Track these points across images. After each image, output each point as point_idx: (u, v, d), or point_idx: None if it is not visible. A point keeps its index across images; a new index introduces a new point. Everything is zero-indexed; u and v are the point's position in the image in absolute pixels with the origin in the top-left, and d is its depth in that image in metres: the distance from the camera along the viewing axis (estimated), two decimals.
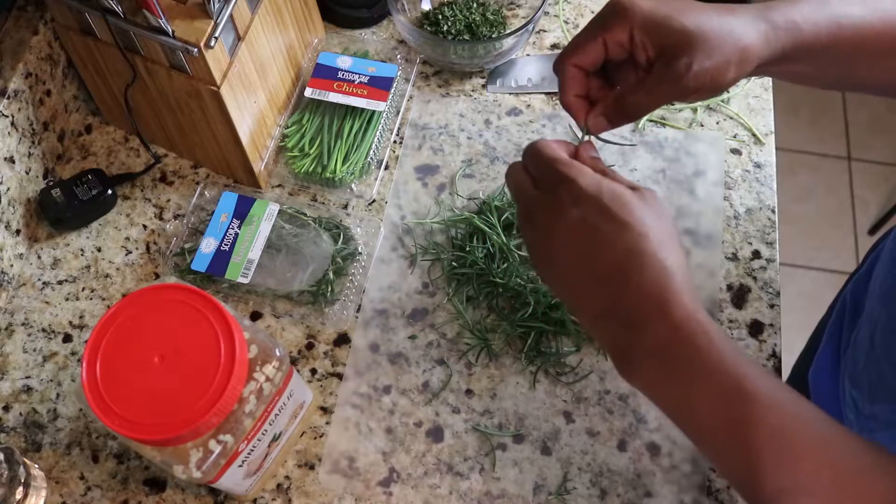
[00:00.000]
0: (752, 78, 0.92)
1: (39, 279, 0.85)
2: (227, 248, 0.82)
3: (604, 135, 0.65)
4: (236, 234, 0.83)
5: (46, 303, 0.84)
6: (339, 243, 0.83)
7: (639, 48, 0.58)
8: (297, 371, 0.77)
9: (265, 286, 0.81)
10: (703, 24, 0.56)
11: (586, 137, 0.63)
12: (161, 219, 0.88)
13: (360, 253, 0.83)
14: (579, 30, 0.97)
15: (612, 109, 0.61)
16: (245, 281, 0.81)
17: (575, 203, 0.54)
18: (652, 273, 0.52)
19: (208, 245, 0.82)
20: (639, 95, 0.59)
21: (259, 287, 0.81)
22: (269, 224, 0.83)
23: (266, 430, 0.66)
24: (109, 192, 0.86)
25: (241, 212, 0.84)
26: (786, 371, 0.81)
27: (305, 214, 0.84)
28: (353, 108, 0.89)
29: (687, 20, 0.57)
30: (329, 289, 0.81)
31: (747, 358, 0.51)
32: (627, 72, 0.62)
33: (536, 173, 0.59)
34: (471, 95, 0.94)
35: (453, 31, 0.93)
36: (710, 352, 0.50)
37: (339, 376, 0.79)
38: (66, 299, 0.84)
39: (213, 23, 0.73)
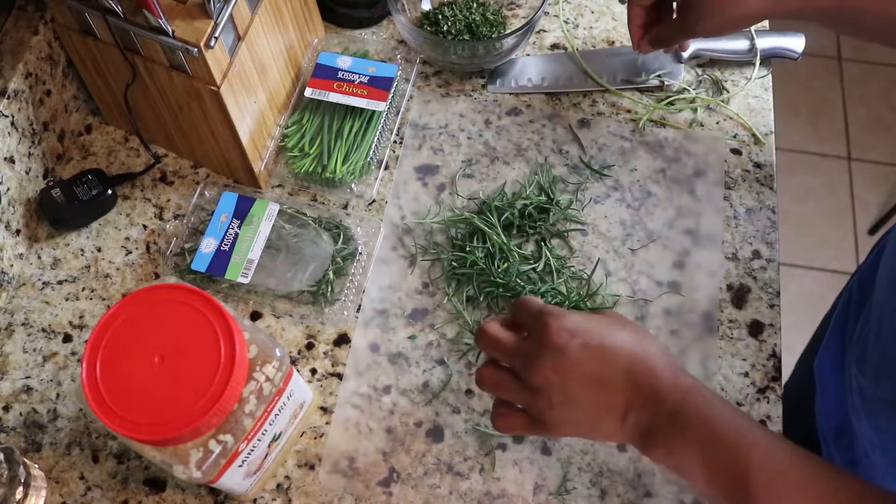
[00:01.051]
0: (753, 78, 0.92)
1: (39, 279, 0.85)
2: (227, 248, 0.82)
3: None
4: (236, 234, 0.82)
5: (46, 303, 0.84)
6: (339, 243, 0.83)
7: None
8: (297, 371, 0.77)
9: (265, 286, 0.81)
10: None
11: (638, 53, 0.90)
12: (161, 219, 0.88)
13: (360, 253, 0.83)
14: (579, 29, 0.97)
15: (652, 38, 0.82)
16: (245, 281, 0.81)
17: (572, 335, 0.58)
18: (659, 359, 0.59)
19: (208, 245, 0.82)
20: (666, 33, 0.81)
21: (259, 287, 0.81)
22: (269, 224, 0.83)
23: (266, 430, 0.66)
24: (109, 192, 0.86)
25: (241, 212, 0.84)
26: (786, 371, 0.81)
27: (305, 214, 0.84)
28: (353, 108, 0.89)
29: None
30: (329, 289, 0.81)
31: (744, 413, 0.58)
32: (669, 11, 0.82)
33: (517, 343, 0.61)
34: (471, 95, 0.94)
35: (453, 31, 0.93)
36: (713, 407, 0.57)
37: (339, 376, 0.79)
38: (66, 299, 0.84)
39: (213, 23, 0.73)
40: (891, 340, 0.67)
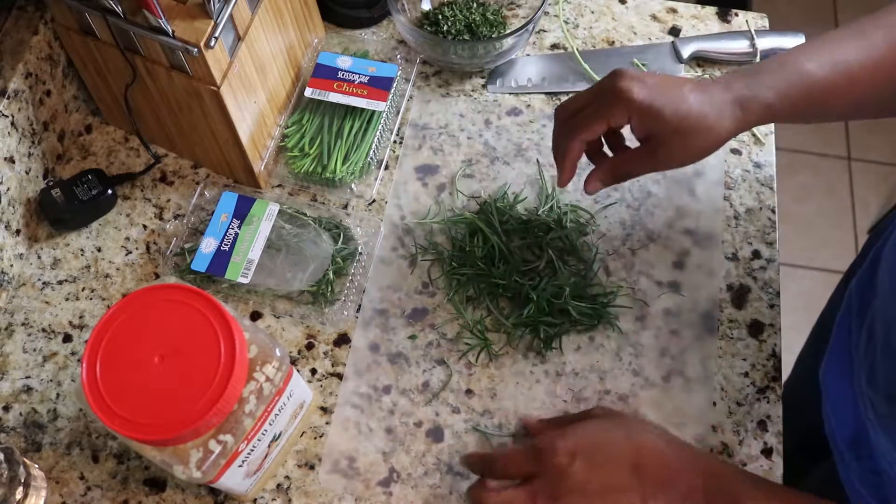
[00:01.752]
0: None
1: (39, 279, 0.85)
2: (227, 248, 0.82)
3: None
4: (236, 234, 0.82)
5: (46, 303, 0.84)
6: (339, 243, 0.83)
7: (634, 129, 0.70)
8: (297, 371, 0.77)
9: (265, 286, 0.81)
10: (685, 119, 0.67)
11: (558, 190, 0.84)
12: (161, 219, 0.88)
13: (360, 253, 0.83)
14: (579, 29, 0.97)
15: (606, 174, 0.73)
16: (245, 281, 0.81)
17: (572, 457, 0.64)
18: (657, 442, 0.66)
19: (208, 245, 0.82)
20: (628, 167, 0.73)
21: (259, 287, 0.81)
22: (269, 224, 0.83)
23: (266, 430, 0.66)
24: (109, 192, 0.86)
25: (241, 212, 0.84)
26: (786, 370, 0.81)
27: (305, 214, 0.84)
28: (353, 108, 0.89)
29: (673, 114, 0.67)
30: (329, 289, 0.81)
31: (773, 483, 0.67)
32: (617, 137, 0.76)
33: (527, 467, 0.67)
34: (471, 95, 0.94)
35: (453, 31, 0.93)
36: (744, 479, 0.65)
37: (339, 376, 0.79)
38: (66, 299, 0.84)
39: (213, 23, 0.73)
40: None
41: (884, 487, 0.71)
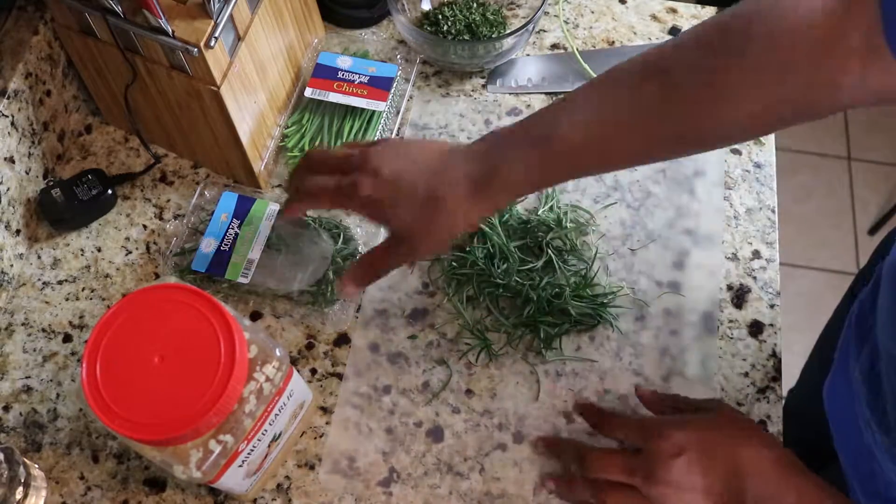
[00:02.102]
0: None
1: (39, 279, 0.85)
2: (227, 248, 0.82)
3: None
4: (236, 235, 0.82)
5: (46, 303, 0.84)
6: (339, 243, 0.83)
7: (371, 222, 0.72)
8: (297, 371, 0.77)
9: (265, 286, 0.81)
10: (418, 213, 0.65)
11: (558, 190, 0.86)
12: (161, 219, 0.88)
13: (360, 253, 0.83)
14: (579, 29, 0.97)
15: (360, 276, 0.71)
16: (245, 281, 0.81)
17: (680, 450, 0.65)
18: (779, 469, 0.65)
19: (208, 245, 0.82)
20: (380, 264, 0.70)
21: (259, 287, 0.81)
22: (269, 224, 0.83)
23: (266, 430, 0.66)
24: (109, 192, 0.86)
25: (241, 211, 0.83)
26: (786, 370, 0.81)
27: (305, 214, 0.84)
28: (353, 108, 0.89)
29: (407, 209, 0.65)
30: (329, 289, 0.81)
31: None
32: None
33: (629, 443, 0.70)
34: (471, 95, 0.94)
35: (453, 31, 0.93)
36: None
37: (339, 376, 0.79)
38: (66, 299, 0.84)
39: (213, 23, 0.73)
40: None
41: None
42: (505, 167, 0.64)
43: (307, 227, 0.83)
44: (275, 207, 0.84)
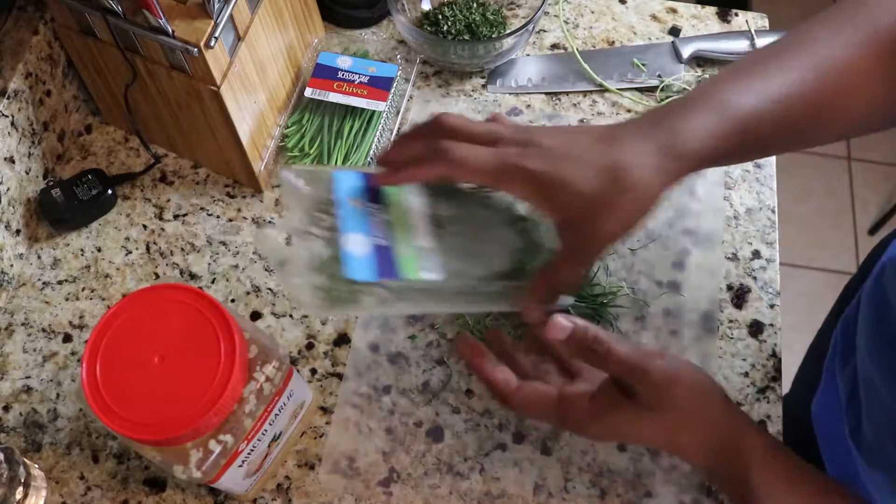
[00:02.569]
0: None
1: (39, 279, 0.85)
2: (384, 241, 0.57)
3: None
4: (387, 221, 0.58)
5: (46, 303, 0.84)
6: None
7: (539, 212, 0.58)
8: (297, 371, 0.77)
9: (470, 274, 0.59)
10: (599, 184, 0.54)
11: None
12: (161, 219, 0.88)
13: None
14: (579, 29, 0.97)
15: (544, 294, 0.59)
16: (434, 276, 0.57)
17: (585, 429, 0.59)
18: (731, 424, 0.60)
19: (356, 244, 0.56)
20: (563, 272, 0.57)
21: (447, 283, 0.57)
22: (416, 195, 0.60)
23: (266, 430, 0.66)
24: (109, 192, 0.86)
25: (374, 190, 0.60)
26: (786, 370, 0.81)
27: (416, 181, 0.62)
28: (353, 108, 0.89)
29: (586, 182, 0.54)
30: (533, 258, 0.62)
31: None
32: None
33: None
34: (471, 95, 0.94)
35: (453, 31, 0.93)
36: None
37: (339, 376, 0.79)
38: (66, 299, 0.84)
39: (213, 23, 0.73)
40: (889, 438, 0.62)
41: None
42: (686, 129, 0.56)
43: (463, 194, 0.63)
44: (422, 188, 0.62)
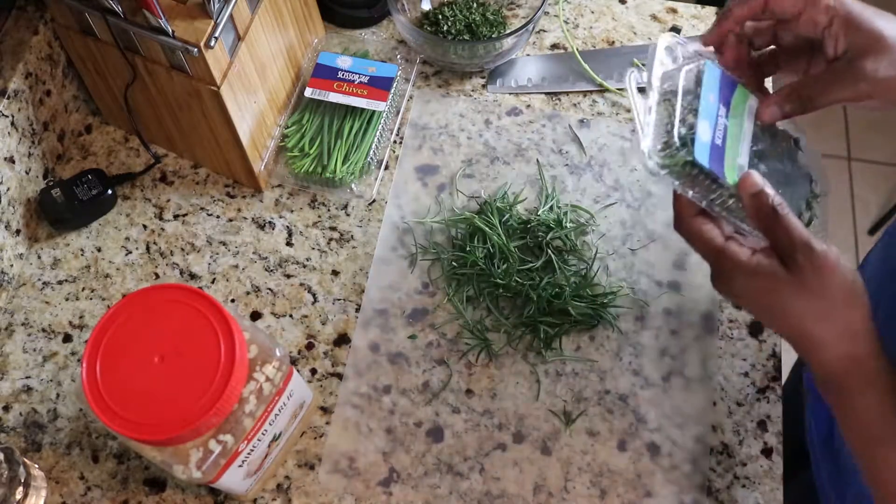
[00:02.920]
0: None
1: (39, 279, 0.85)
2: (719, 141, 0.60)
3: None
4: (725, 127, 0.61)
5: (46, 303, 0.84)
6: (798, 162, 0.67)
7: (830, 38, 0.59)
8: (297, 371, 0.77)
9: None
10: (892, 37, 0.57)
11: (558, 190, 0.73)
12: (161, 219, 0.88)
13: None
14: (579, 29, 0.97)
15: (786, 99, 0.61)
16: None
17: (738, 296, 0.60)
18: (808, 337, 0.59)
19: (704, 131, 0.59)
20: (815, 89, 0.60)
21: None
22: (750, 123, 0.63)
23: (266, 431, 0.66)
24: (109, 192, 0.86)
25: (726, 96, 0.62)
26: (786, 370, 0.81)
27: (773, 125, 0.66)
28: (353, 108, 0.89)
29: (886, 26, 0.57)
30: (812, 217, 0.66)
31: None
32: (798, 61, 0.64)
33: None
34: (471, 95, 0.94)
35: (453, 31, 0.93)
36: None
37: (339, 376, 0.79)
38: (66, 299, 0.84)
39: (213, 23, 0.73)
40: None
41: (848, 486, 0.72)
42: None
43: (787, 139, 0.66)
44: (754, 102, 0.64)
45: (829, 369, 0.58)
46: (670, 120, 0.59)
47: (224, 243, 0.86)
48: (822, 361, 0.59)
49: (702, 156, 0.58)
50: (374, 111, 0.89)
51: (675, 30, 0.97)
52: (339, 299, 0.82)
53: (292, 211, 0.88)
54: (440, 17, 0.94)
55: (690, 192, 0.59)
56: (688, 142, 0.58)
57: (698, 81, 0.61)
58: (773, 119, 0.62)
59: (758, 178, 0.59)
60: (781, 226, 0.57)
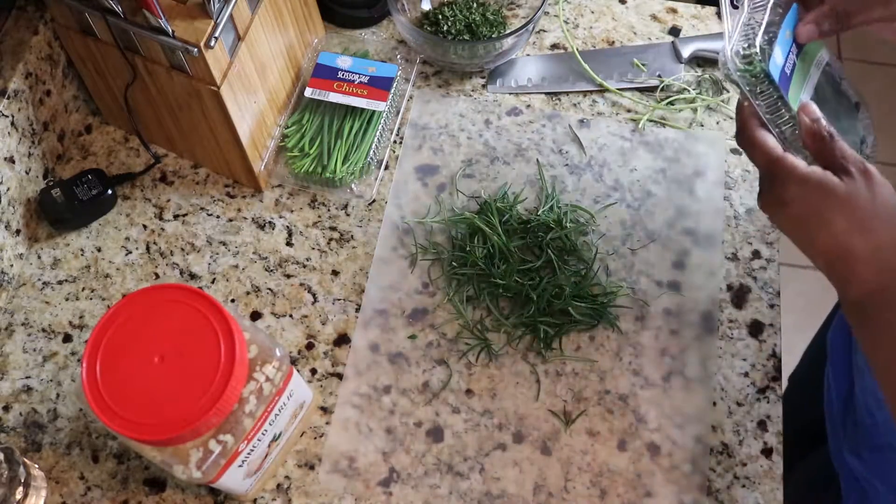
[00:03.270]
0: None
1: (39, 279, 0.85)
2: (788, 71, 0.66)
3: None
4: (794, 64, 0.67)
5: (46, 303, 0.84)
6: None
7: None
8: (297, 371, 0.77)
9: None
10: None
11: (558, 190, 0.76)
12: (161, 219, 0.88)
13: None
14: (579, 29, 0.97)
15: (824, 17, 0.64)
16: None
17: (789, 202, 0.61)
18: (845, 252, 0.60)
19: (778, 56, 0.65)
20: (852, 5, 0.63)
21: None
22: (817, 73, 0.69)
23: (266, 431, 0.66)
24: (109, 192, 0.86)
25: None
26: (786, 371, 0.81)
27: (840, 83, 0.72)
28: (353, 108, 0.89)
29: None
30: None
31: None
32: None
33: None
34: (471, 95, 0.94)
35: (453, 31, 0.93)
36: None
37: (339, 376, 0.79)
38: (66, 299, 0.84)
39: (213, 23, 0.73)
40: None
41: (866, 444, 0.74)
42: None
43: (847, 99, 0.71)
44: (825, 56, 0.70)
45: (866, 286, 0.59)
46: (754, 31, 0.64)
47: (224, 243, 0.86)
48: (860, 276, 0.59)
49: (774, 72, 0.64)
50: (374, 111, 0.89)
51: (675, 30, 0.97)
52: (339, 299, 0.82)
53: (292, 211, 0.88)
54: (440, 17, 0.94)
55: (758, 102, 0.64)
56: (765, 55, 0.64)
57: (782, 15, 0.66)
58: (811, 37, 0.65)
59: (817, 109, 0.63)
60: (837, 146, 0.61)
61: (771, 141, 0.63)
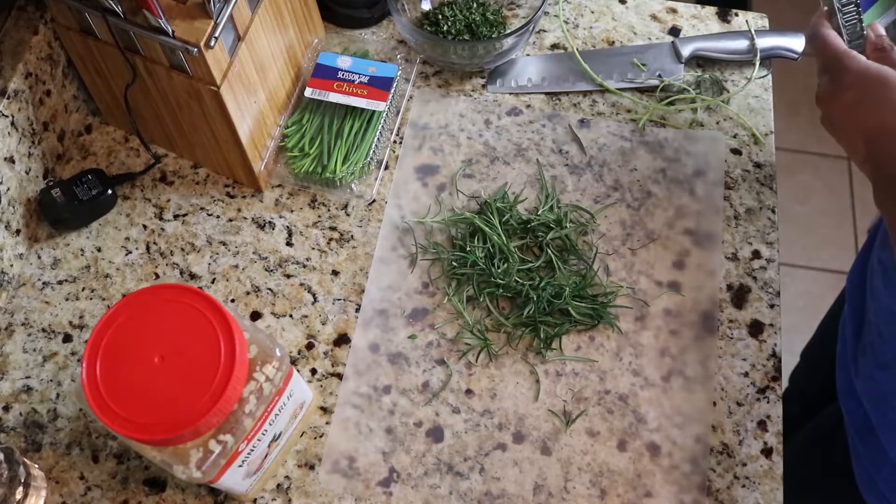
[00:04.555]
0: (753, 78, 0.92)
1: (39, 279, 0.85)
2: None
3: None
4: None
5: (46, 303, 0.84)
6: None
7: None
8: (297, 371, 0.77)
9: None
10: None
11: (557, 190, 0.78)
12: (161, 219, 0.88)
13: None
14: (579, 29, 0.97)
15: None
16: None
17: (847, 88, 0.68)
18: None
19: None
20: None
21: None
22: (886, 20, 0.78)
23: (266, 431, 0.66)
24: (109, 192, 0.86)
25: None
26: (786, 371, 0.81)
27: None
28: (353, 108, 0.89)
29: None
30: None
31: None
32: None
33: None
34: (471, 95, 0.94)
35: (453, 31, 0.93)
36: None
37: (339, 376, 0.79)
38: (66, 299, 0.84)
39: (213, 23, 0.73)
40: None
41: (877, 369, 0.76)
42: None
43: None
44: (888, 19, 0.79)
45: None
46: None
47: (224, 243, 0.86)
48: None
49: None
50: (374, 111, 0.89)
51: (675, 30, 0.97)
52: (339, 299, 0.82)
53: (292, 211, 0.88)
54: (440, 17, 0.94)
55: (836, 3, 0.73)
56: None
57: None
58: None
59: (882, 28, 0.73)
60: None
61: (838, 38, 0.71)
